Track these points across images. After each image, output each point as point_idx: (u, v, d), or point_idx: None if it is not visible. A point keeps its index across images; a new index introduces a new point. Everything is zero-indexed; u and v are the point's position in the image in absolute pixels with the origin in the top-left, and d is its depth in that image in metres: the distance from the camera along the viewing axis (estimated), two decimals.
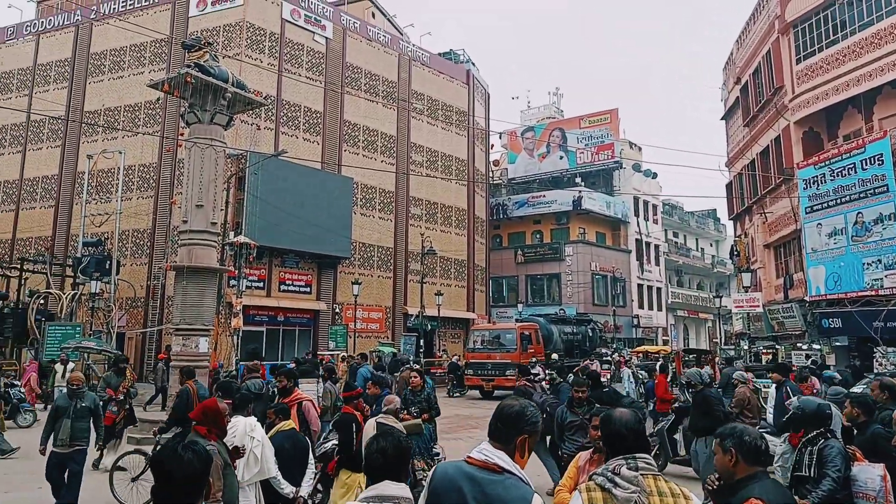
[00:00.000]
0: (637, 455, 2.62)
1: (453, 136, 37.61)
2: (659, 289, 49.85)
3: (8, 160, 32.41)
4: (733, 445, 3.02)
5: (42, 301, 23.98)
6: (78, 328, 21.96)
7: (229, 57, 26.13)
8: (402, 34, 39.50)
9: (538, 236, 45.73)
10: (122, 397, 10.28)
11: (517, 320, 29.34)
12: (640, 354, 28.93)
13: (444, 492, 2.46)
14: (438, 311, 31.32)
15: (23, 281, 25.64)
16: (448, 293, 34.17)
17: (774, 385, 9.08)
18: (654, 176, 49.30)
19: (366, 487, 2.64)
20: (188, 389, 8.68)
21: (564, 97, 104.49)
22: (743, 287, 25.79)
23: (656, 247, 49.84)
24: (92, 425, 7.54)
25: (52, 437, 7.31)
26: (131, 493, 8.09)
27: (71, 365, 17.18)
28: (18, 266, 25.90)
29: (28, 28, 33.68)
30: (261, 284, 27.94)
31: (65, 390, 8.07)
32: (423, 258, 31.80)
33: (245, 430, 5.14)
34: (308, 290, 29.98)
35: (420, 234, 33.15)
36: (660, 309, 49.56)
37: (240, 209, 26.30)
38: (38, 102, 30.15)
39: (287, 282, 29.14)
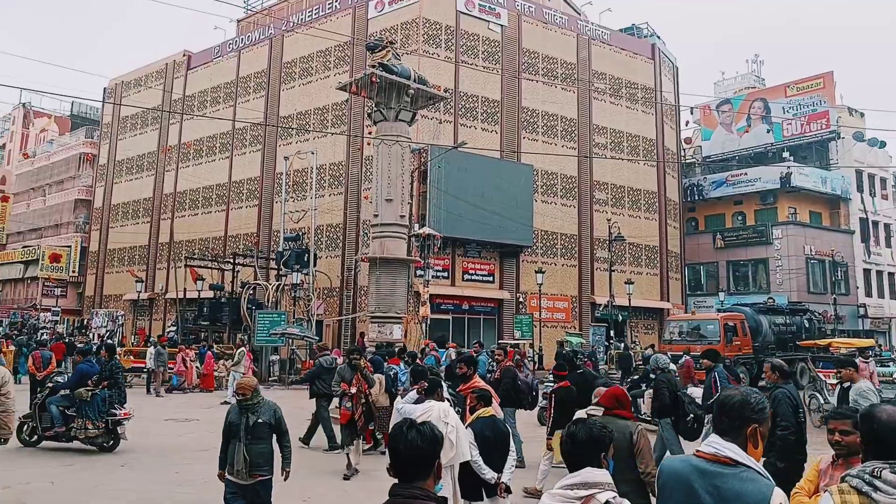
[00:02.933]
0: None
1: (639, 115, 35.39)
2: (891, 274, 43.38)
3: (218, 165, 36.12)
4: None
5: (252, 291, 26.07)
6: (283, 315, 23.47)
7: (407, 54, 26.53)
8: (579, 14, 38.07)
9: (740, 218, 41.75)
10: (354, 390, 9.47)
11: (719, 310, 26.94)
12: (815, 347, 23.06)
13: (673, 488, 2.41)
14: (629, 300, 29.55)
15: (235, 274, 28.17)
16: (639, 281, 32.16)
17: (705, 370, 9.37)
18: (883, 145, 42.83)
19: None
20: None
21: (765, 65, 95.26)
22: None
23: (886, 226, 43.55)
24: (277, 445, 5.55)
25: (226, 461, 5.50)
26: None
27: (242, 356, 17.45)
28: (231, 261, 28.51)
29: (230, 46, 37.32)
30: (445, 274, 28.18)
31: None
32: (610, 245, 30.19)
33: (439, 414, 5.23)
34: (491, 279, 29.72)
35: (606, 219, 31.54)
36: (893, 297, 42.98)
37: (423, 201, 26.75)
38: (241, 112, 33.19)
39: (470, 271, 29.13)
